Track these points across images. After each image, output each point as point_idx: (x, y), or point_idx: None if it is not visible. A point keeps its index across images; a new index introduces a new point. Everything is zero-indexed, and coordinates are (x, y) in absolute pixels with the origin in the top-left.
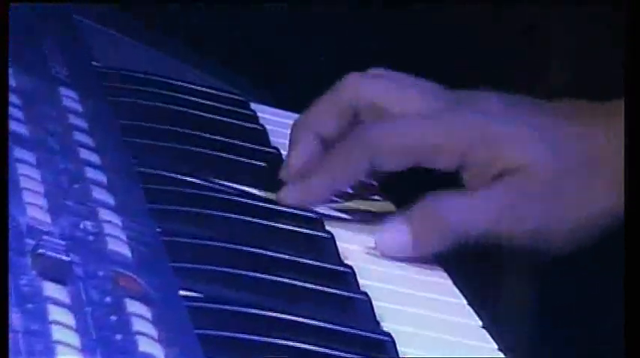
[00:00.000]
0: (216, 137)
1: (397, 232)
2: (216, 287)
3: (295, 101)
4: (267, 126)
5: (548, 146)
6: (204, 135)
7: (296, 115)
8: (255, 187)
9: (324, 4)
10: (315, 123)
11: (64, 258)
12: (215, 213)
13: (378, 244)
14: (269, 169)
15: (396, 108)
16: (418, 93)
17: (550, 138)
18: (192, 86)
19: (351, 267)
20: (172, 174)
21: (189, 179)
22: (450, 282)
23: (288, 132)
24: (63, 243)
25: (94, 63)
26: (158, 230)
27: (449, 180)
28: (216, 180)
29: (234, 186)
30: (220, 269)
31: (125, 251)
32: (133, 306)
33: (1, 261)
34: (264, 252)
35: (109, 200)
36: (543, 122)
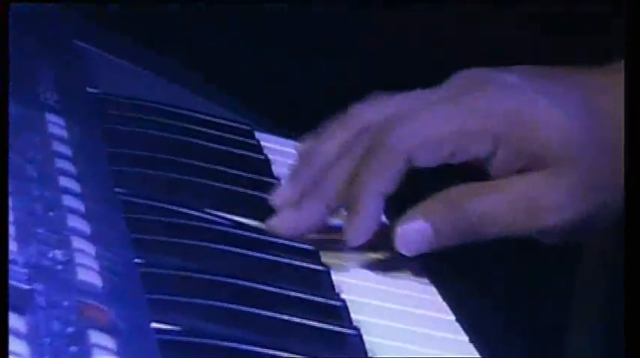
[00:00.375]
0: (214, 166)
1: (417, 223)
2: (199, 321)
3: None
4: (271, 156)
5: (582, 130)
6: (201, 164)
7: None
8: (252, 218)
9: (324, 4)
10: (321, 155)
11: (25, 286)
12: (203, 244)
13: (397, 236)
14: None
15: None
16: (431, 90)
17: (581, 118)
18: (194, 114)
19: (343, 301)
20: (160, 204)
21: (177, 209)
22: (452, 317)
23: (292, 161)
24: (25, 271)
25: (89, 89)
26: (138, 261)
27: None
28: (209, 211)
29: (230, 217)
30: (203, 302)
31: (95, 281)
32: (97, 337)
33: (1, 264)
34: (252, 284)
35: (85, 228)
36: (571, 98)
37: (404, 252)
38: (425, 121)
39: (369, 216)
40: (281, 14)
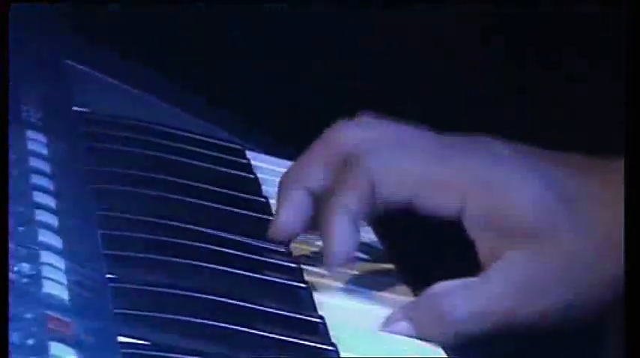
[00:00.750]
0: (201, 185)
1: (400, 326)
2: (172, 336)
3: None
4: (260, 175)
5: (563, 206)
6: (188, 182)
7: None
8: (239, 236)
9: (324, 4)
10: (305, 177)
11: None
12: (183, 261)
13: None
14: (254, 218)
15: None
16: (414, 138)
17: (564, 195)
18: (184, 133)
19: (322, 318)
20: (142, 219)
21: (157, 224)
22: None
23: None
24: None
25: (75, 108)
26: (111, 276)
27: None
28: (191, 227)
29: (217, 233)
30: (176, 317)
31: (62, 294)
32: (58, 349)
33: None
34: (228, 300)
35: (56, 243)
36: (554, 175)
37: None
38: (401, 155)
39: (338, 236)
40: (281, 14)
